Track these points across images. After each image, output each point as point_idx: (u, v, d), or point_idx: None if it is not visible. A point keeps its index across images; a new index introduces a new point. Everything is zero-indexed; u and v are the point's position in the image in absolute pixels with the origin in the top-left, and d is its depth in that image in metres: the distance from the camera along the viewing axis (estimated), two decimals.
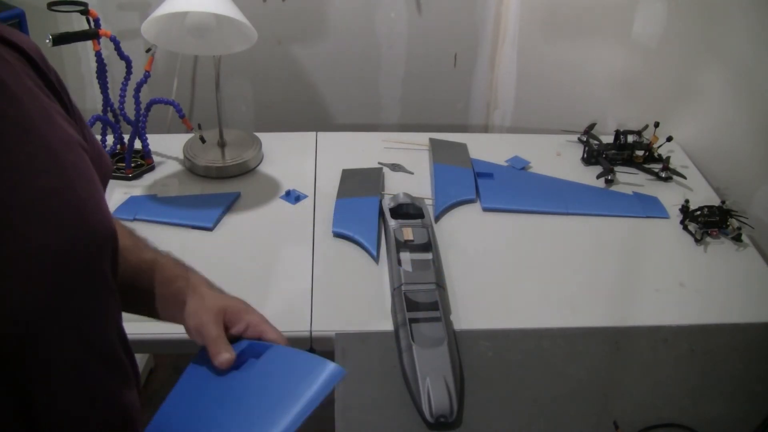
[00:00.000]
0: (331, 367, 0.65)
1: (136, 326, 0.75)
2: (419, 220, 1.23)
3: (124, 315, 0.67)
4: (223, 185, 1.38)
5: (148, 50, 1.32)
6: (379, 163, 1.46)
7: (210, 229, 1.25)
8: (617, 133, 1.50)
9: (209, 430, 0.66)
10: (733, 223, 1.28)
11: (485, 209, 1.34)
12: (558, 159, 1.51)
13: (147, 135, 1.41)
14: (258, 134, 1.50)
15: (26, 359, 0.52)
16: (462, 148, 1.51)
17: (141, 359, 1.89)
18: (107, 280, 0.59)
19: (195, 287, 0.74)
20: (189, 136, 1.46)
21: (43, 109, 0.54)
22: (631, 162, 1.48)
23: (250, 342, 0.72)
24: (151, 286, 0.74)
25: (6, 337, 0.49)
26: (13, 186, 0.49)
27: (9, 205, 0.48)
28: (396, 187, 1.37)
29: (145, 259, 0.75)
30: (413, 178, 1.42)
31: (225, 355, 0.69)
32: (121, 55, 1.31)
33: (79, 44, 1.67)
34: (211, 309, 0.72)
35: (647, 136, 1.50)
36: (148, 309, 0.75)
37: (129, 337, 0.67)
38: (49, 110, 0.55)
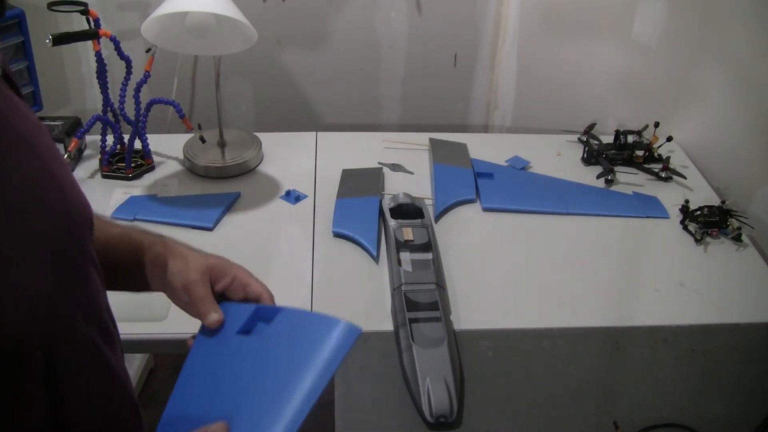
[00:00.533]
0: (344, 325, 0.63)
1: (136, 326, 0.75)
2: (419, 220, 1.23)
3: (119, 314, 0.67)
4: (223, 185, 1.38)
5: (148, 50, 1.32)
6: (379, 163, 1.46)
7: (210, 229, 1.25)
8: (617, 133, 1.50)
9: (227, 404, 0.63)
10: (733, 223, 1.28)
11: (485, 209, 1.34)
12: (558, 159, 1.51)
13: (147, 135, 1.41)
14: (258, 134, 1.50)
15: (53, 346, 0.52)
16: (462, 148, 1.51)
17: (141, 359, 1.89)
18: (93, 257, 0.59)
19: (174, 249, 0.73)
20: (189, 136, 1.46)
21: (6, 98, 0.53)
22: (631, 162, 1.48)
23: (257, 306, 0.70)
24: (126, 259, 0.72)
25: (30, 331, 0.50)
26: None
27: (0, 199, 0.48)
28: (396, 187, 1.37)
29: (113, 234, 0.73)
30: (413, 178, 1.42)
31: (213, 315, 0.69)
32: (121, 55, 1.31)
33: (79, 44, 1.67)
34: (196, 269, 0.71)
35: (647, 136, 1.50)
36: (124, 282, 0.73)
37: (129, 337, 0.68)
38: (11, 98, 0.54)
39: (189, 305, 0.72)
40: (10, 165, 0.50)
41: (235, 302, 0.72)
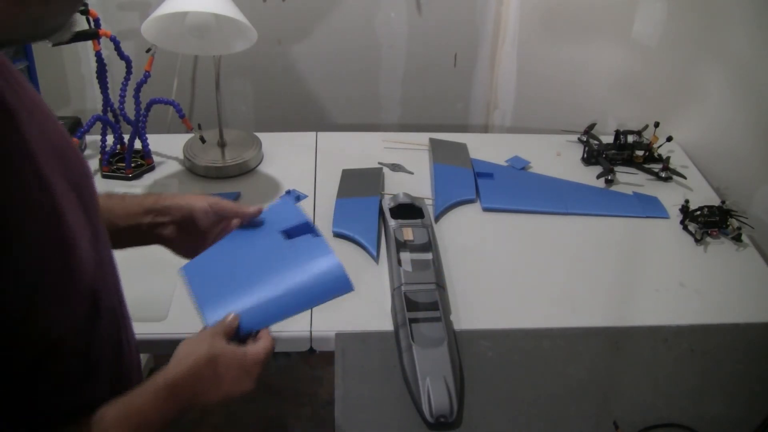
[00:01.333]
0: (345, 282, 0.78)
1: (136, 326, 0.75)
2: (419, 220, 1.23)
3: None
4: (223, 185, 1.38)
5: (148, 50, 1.32)
6: (379, 163, 1.46)
7: None
8: (617, 133, 1.50)
9: (241, 284, 0.77)
10: (733, 223, 1.28)
11: (485, 209, 1.34)
12: (558, 159, 1.51)
13: (147, 135, 1.41)
14: (258, 134, 1.50)
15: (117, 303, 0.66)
16: (462, 148, 1.51)
17: (141, 359, 1.89)
18: (93, 215, 0.66)
19: (166, 194, 0.84)
20: (189, 136, 1.46)
21: (21, 76, 0.60)
22: (631, 162, 1.48)
23: (308, 221, 0.84)
24: (119, 218, 0.80)
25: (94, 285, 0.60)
26: (45, 142, 0.57)
27: (35, 150, 0.55)
28: (396, 187, 1.37)
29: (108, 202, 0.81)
30: (413, 178, 1.42)
31: (252, 207, 0.84)
32: (121, 55, 1.31)
33: (79, 44, 1.67)
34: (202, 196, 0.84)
35: (647, 136, 1.50)
36: (118, 241, 0.78)
37: None
38: (23, 79, 0.61)
39: (210, 223, 0.84)
40: (47, 130, 0.58)
41: (292, 204, 0.89)
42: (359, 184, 1.37)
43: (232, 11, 1.18)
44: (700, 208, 1.30)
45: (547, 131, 1.67)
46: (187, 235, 0.84)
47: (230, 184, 1.38)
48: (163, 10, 1.17)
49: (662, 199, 1.38)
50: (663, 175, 1.44)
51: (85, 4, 1.27)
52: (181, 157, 1.44)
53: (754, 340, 1.07)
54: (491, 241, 1.26)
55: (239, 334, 0.73)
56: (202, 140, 1.41)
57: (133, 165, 1.39)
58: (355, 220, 1.26)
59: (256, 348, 0.72)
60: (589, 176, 1.45)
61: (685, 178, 1.44)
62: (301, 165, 1.45)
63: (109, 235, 0.71)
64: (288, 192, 0.92)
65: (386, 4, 1.84)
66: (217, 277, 0.79)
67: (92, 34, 1.26)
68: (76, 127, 1.42)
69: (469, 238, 1.26)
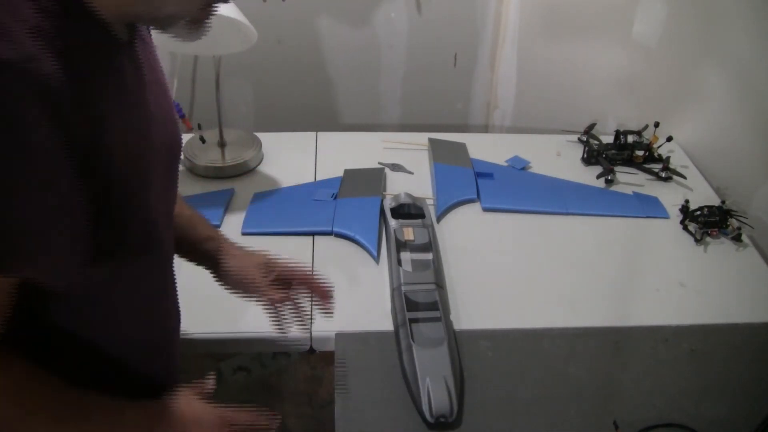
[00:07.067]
0: None
1: None
2: (420, 220, 1.22)
3: None
4: (224, 185, 1.37)
5: None
6: (379, 163, 1.46)
7: (218, 227, 1.25)
8: (617, 133, 1.50)
9: None
10: (733, 223, 1.28)
11: (485, 209, 1.34)
12: (558, 159, 1.51)
13: None
14: (258, 134, 1.50)
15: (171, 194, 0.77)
16: (461, 147, 1.51)
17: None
18: (177, 176, 0.78)
19: (226, 250, 0.90)
20: (189, 136, 1.46)
21: (152, 45, 0.71)
22: (631, 162, 1.48)
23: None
24: (185, 238, 0.86)
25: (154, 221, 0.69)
26: (158, 84, 0.69)
27: (156, 109, 0.67)
28: (397, 187, 1.37)
29: (180, 213, 0.87)
30: (413, 178, 1.42)
31: (276, 294, 0.89)
32: None
33: None
34: (253, 264, 0.90)
35: (647, 136, 1.50)
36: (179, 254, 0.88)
37: None
38: (153, 49, 0.71)
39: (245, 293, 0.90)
40: (162, 93, 0.70)
41: None
42: (361, 184, 1.37)
43: (232, 11, 1.18)
44: (700, 208, 1.30)
45: (547, 131, 1.67)
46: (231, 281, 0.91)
47: (230, 184, 1.38)
48: None
49: (662, 199, 1.38)
50: (663, 175, 1.44)
51: None
52: (181, 157, 1.43)
53: (754, 340, 1.07)
54: (491, 241, 1.26)
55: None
56: (202, 140, 1.41)
57: None
58: (356, 220, 1.26)
59: (236, 413, 0.72)
60: (589, 176, 1.45)
61: (685, 178, 1.44)
62: (301, 165, 1.45)
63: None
64: None
65: (386, 4, 1.83)
66: None
67: None
68: None
69: (469, 238, 1.26)
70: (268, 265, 0.89)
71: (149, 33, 0.72)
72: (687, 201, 1.32)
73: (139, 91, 0.64)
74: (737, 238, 1.27)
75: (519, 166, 1.46)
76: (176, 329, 0.84)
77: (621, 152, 1.48)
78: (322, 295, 0.91)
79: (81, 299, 0.63)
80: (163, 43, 1.26)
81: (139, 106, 0.64)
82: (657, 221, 1.33)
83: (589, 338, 1.06)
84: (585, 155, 1.51)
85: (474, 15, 1.88)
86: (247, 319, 1.06)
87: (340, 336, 1.03)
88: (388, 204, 1.27)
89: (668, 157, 1.45)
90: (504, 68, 1.92)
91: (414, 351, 0.95)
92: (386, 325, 1.05)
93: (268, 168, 1.44)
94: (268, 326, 0.93)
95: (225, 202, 1.31)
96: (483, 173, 1.42)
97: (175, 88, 1.83)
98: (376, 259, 1.18)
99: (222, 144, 1.44)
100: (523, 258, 1.22)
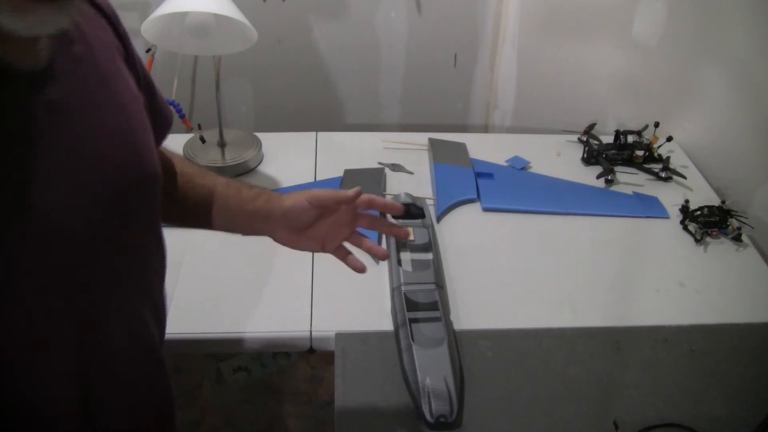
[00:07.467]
0: None
1: None
2: (420, 220, 1.22)
3: None
4: None
5: (148, 50, 1.32)
6: (379, 163, 1.46)
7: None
8: (617, 133, 1.50)
9: None
10: (733, 223, 1.28)
11: (485, 209, 1.34)
12: (558, 159, 1.51)
13: None
14: (258, 134, 1.50)
15: (82, 277, 0.56)
16: (461, 147, 1.51)
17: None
18: (152, 217, 0.66)
19: (279, 195, 0.83)
20: (189, 136, 1.46)
21: (113, 61, 0.61)
22: (631, 162, 1.48)
23: None
24: (233, 204, 0.82)
25: (67, 245, 0.54)
26: (91, 122, 0.56)
27: (86, 136, 0.55)
28: (397, 187, 1.37)
29: (219, 182, 0.84)
30: (413, 178, 1.42)
31: (351, 191, 0.78)
32: None
33: None
34: (304, 192, 0.81)
35: (647, 136, 1.50)
36: (230, 223, 0.84)
37: None
38: (119, 66, 0.62)
39: (311, 218, 0.81)
40: (103, 114, 0.57)
41: None
42: (361, 184, 1.35)
43: (232, 11, 1.18)
44: (700, 208, 1.30)
45: (547, 131, 1.67)
46: (291, 232, 0.83)
47: None
48: (163, 10, 1.17)
49: (662, 199, 1.38)
50: (663, 175, 1.44)
51: None
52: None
53: (754, 340, 1.07)
54: (491, 241, 1.26)
55: None
56: (202, 140, 1.41)
57: None
58: None
59: None
60: (589, 176, 1.45)
61: (685, 178, 1.44)
62: (301, 165, 1.45)
63: (225, 219, 0.81)
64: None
65: (386, 4, 1.83)
66: None
67: None
68: None
69: (469, 238, 1.26)
70: (305, 194, 0.80)
71: (124, 48, 0.63)
72: (687, 201, 1.32)
73: (39, 139, 0.50)
74: (737, 238, 1.27)
75: (519, 166, 1.46)
76: None
77: (621, 152, 1.48)
78: (394, 209, 0.83)
79: None
80: (163, 43, 1.26)
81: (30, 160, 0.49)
82: (657, 221, 1.33)
83: (589, 338, 1.06)
84: (585, 155, 1.51)
85: (474, 15, 1.88)
86: (247, 319, 1.06)
87: (340, 336, 1.03)
88: None
89: (668, 157, 1.45)
90: (504, 68, 1.92)
91: (414, 351, 0.95)
92: (386, 325, 1.05)
93: (268, 168, 1.44)
94: (268, 326, 0.93)
95: None
96: (483, 173, 1.42)
97: (175, 88, 1.83)
98: (376, 259, 1.18)
99: (222, 144, 1.44)
100: (523, 258, 1.22)
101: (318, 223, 0.82)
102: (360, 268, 0.83)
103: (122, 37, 0.65)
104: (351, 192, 0.78)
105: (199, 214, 0.83)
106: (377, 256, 0.84)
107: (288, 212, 0.81)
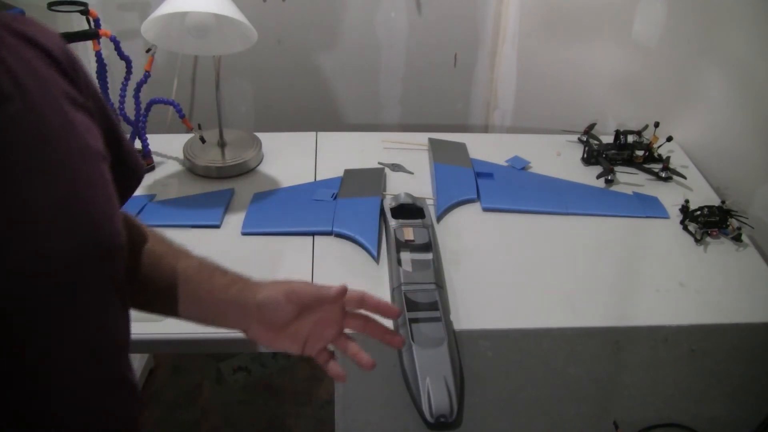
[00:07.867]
0: None
1: (136, 326, 0.75)
2: (420, 220, 1.23)
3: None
4: (224, 185, 1.37)
5: (148, 50, 1.32)
6: (379, 163, 1.46)
7: (218, 227, 1.25)
8: (617, 133, 1.50)
9: None
10: (733, 223, 1.28)
11: (485, 209, 1.34)
12: (558, 159, 1.51)
13: (147, 135, 1.41)
14: (258, 134, 1.50)
15: (25, 352, 0.51)
16: (461, 147, 1.51)
17: (141, 359, 1.89)
18: (112, 292, 0.59)
19: (255, 284, 0.74)
20: (189, 136, 1.46)
21: (63, 117, 0.54)
22: (631, 162, 1.48)
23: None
24: (203, 292, 0.73)
25: (6, 320, 0.49)
26: (28, 190, 0.50)
27: (21, 209, 0.49)
28: (397, 187, 1.37)
29: (191, 264, 0.74)
30: (413, 178, 1.42)
31: (334, 288, 0.70)
32: (121, 55, 1.31)
33: (79, 44, 1.67)
34: (284, 284, 0.73)
35: (647, 136, 1.50)
36: (200, 313, 0.74)
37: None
38: (71, 119, 0.54)
39: (289, 316, 0.72)
40: (39, 180, 0.50)
41: None
42: (361, 184, 1.37)
43: (232, 11, 1.18)
44: (700, 208, 1.30)
45: (547, 131, 1.67)
46: (267, 329, 0.74)
47: (230, 184, 1.38)
48: (163, 10, 1.17)
49: (662, 199, 1.38)
50: (663, 175, 1.44)
51: (85, 4, 1.28)
52: (181, 157, 1.44)
53: (754, 340, 1.07)
54: (491, 241, 1.26)
55: None
56: (202, 140, 1.41)
57: None
58: (356, 220, 1.26)
59: None
60: (589, 176, 1.45)
61: (685, 178, 1.44)
62: (301, 165, 1.45)
63: (195, 309, 0.70)
64: None
65: (386, 4, 1.84)
66: None
67: (92, 34, 1.26)
68: None
69: (469, 238, 1.26)
70: (284, 288, 0.72)
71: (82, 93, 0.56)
72: (687, 201, 1.32)
73: None
74: (737, 238, 1.27)
75: (519, 166, 1.46)
76: None
77: (621, 152, 1.48)
78: (389, 312, 0.74)
79: None
80: (163, 43, 1.26)
81: None
82: (657, 221, 1.33)
83: (589, 338, 1.06)
84: (585, 155, 1.51)
85: (474, 15, 1.88)
86: None
87: None
88: (388, 204, 1.27)
89: (668, 157, 1.45)
90: (504, 68, 1.92)
91: (414, 351, 0.95)
92: (386, 325, 1.05)
93: (268, 168, 1.44)
94: None
95: (225, 203, 1.31)
96: (483, 173, 1.42)
97: (175, 88, 1.84)
98: (376, 259, 1.18)
99: (222, 144, 1.44)
100: (523, 258, 1.23)
101: (299, 320, 0.72)
102: (341, 377, 0.74)
103: (80, 86, 0.57)
104: (334, 290, 0.70)
105: (165, 300, 0.72)
106: (362, 365, 0.74)
107: (261, 306, 0.71)
